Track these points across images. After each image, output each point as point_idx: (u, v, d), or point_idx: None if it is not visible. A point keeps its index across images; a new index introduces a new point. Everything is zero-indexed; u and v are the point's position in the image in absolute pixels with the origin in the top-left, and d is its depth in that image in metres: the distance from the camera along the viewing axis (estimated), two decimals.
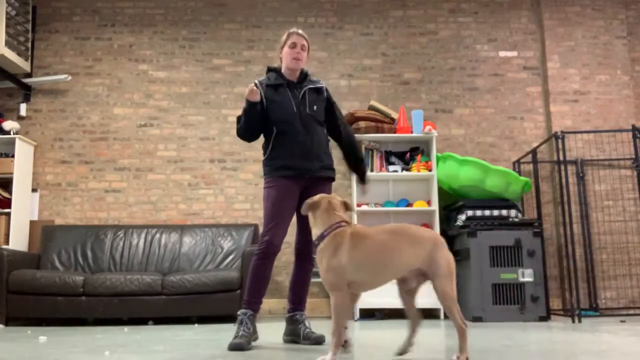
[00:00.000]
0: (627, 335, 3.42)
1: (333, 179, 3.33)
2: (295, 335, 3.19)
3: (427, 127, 5.55)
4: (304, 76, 3.33)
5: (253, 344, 3.08)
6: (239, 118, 3.23)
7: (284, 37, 3.27)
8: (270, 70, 3.34)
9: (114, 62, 6.11)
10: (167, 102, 6.04)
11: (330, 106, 3.37)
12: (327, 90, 3.39)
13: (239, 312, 3.07)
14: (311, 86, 3.30)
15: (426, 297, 5.19)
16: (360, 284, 2.46)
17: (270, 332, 3.93)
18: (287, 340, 3.25)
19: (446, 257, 2.46)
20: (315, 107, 3.25)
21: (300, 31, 3.26)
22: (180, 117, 6.02)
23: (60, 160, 5.92)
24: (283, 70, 3.29)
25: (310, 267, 3.26)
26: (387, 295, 5.21)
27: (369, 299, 5.20)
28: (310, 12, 6.22)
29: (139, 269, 5.32)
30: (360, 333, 3.84)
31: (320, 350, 2.84)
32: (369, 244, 2.44)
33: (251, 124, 3.18)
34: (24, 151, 5.68)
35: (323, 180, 3.24)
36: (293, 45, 3.21)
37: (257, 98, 3.12)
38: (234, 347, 2.87)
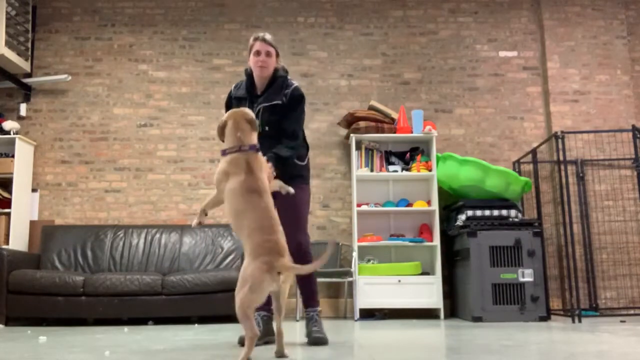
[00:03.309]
0: (627, 335, 3.42)
1: (299, 184, 3.20)
2: (306, 333, 3.22)
3: (427, 127, 5.56)
4: (271, 83, 3.21)
5: (270, 346, 3.05)
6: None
7: (250, 42, 3.22)
8: (245, 74, 3.29)
9: (114, 62, 6.11)
10: (167, 102, 6.04)
11: (284, 116, 3.17)
12: (290, 98, 3.16)
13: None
14: (266, 104, 3.16)
15: (426, 297, 5.22)
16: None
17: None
18: (307, 341, 3.23)
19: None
20: (267, 128, 3.16)
21: (266, 36, 3.18)
22: (180, 117, 6.02)
23: (60, 160, 5.92)
24: (254, 76, 3.24)
25: (308, 261, 3.18)
26: (387, 296, 5.22)
27: (369, 299, 5.21)
28: (310, 12, 6.22)
29: (139, 269, 5.32)
30: (360, 333, 3.84)
31: (314, 350, 2.83)
32: (243, 189, 2.55)
33: None
34: (24, 151, 5.68)
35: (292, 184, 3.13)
36: (257, 53, 3.17)
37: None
38: (241, 341, 3.05)
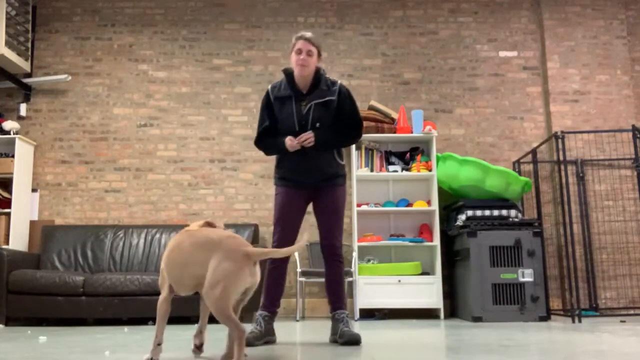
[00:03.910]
0: (627, 335, 3.42)
1: (341, 185, 3.30)
2: (334, 333, 3.19)
3: (427, 127, 5.56)
4: (317, 81, 3.23)
5: (269, 346, 3.05)
6: (262, 133, 3.30)
7: (293, 41, 3.23)
8: (285, 73, 3.28)
9: (114, 62, 6.11)
10: (167, 102, 6.04)
11: (338, 113, 3.26)
12: (340, 94, 3.24)
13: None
14: (318, 100, 3.21)
15: (426, 297, 5.22)
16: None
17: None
18: (331, 340, 3.23)
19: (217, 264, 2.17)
20: (318, 124, 3.20)
21: (307, 35, 3.19)
22: (180, 117, 6.02)
23: (60, 160, 5.92)
24: (295, 75, 3.24)
25: (339, 266, 3.25)
26: (387, 296, 5.22)
27: (369, 299, 5.21)
28: (310, 12, 6.22)
29: (139, 269, 5.32)
30: (361, 333, 3.84)
31: (341, 350, 2.83)
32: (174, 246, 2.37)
33: (275, 153, 3.33)
34: (24, 151, 5.68)
35: (328, 186, 3.26)
36: (298, 52, 3.17)
37: (294, 149, 3.17)
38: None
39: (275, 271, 3.22)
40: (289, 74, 3.25)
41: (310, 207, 5.31)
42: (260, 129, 3.31)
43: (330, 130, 3.24)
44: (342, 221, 3.27)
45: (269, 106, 3.30)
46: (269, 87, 3.31)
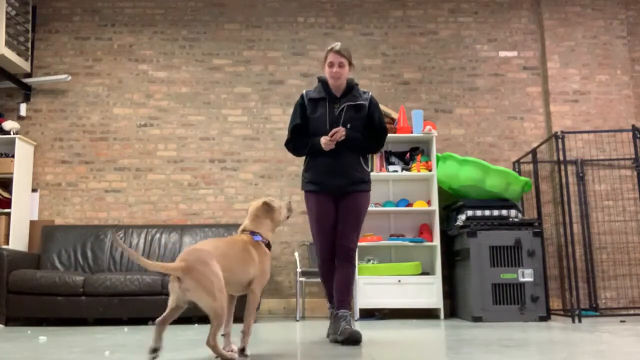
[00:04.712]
0: (627, 335, 3.42)
1: (366, 191, 3.40)
2: (334, 332, 3.22)
3: (427, 127, 5.55)
4: (349, 88, 3.39)
5: (269, 346, 3.07)
6: (293, 134, 3.41)
7: (324, 53, 3.38)
8: (319, 80, 3.45)
9: (114, 62, 6.11)
10: (167, 102, 6.04)
11: (368, 121, 3.39)
12: (371, 102, 3.40)
13: (336, 311, 3.28)
14: (351, 103, 3.36)
15: (426, 297, 5.21)
16: None
17: (268, 332, 3.92)
18: (331, 339, 3.26)
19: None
20: (349, 125, 3.33)
21: (337, 47, 3.32)
22: (180, 117, 6.02)
23: (60, 160, 5.92)
24: (329, 84, 3.39)
25: (350, 267, 3.32)
26: (387, 296, 5.22)
27: (369, 299, 5.21)
28: (310, 12, 6.22)
29: (139, 269, 5.32)
30: (361, 333, 3.84)
31: (344, 349, 2.83)
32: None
33: (307, 154, 3.45)
34: (24, 151, 5.68)
35: (354, 192, 3.36)
36: (331, 65, 3.33)
37: (329, 148, 3.27)
38: (355, 336, 3.08)
39: (324, 271, 3.38)
40: (323, 81, 3.43)
41: None
42: (291, 127, 3.43)
43: (360, 132, 3.38)
44: (360, 226, 3.38)
45: (302, 107, 3.43)
46: (304, 91, 3.49)
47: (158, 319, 2.35)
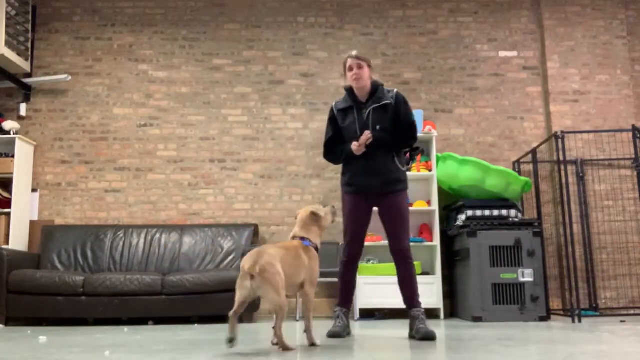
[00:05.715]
0: (627, 335, 3.42)
1: (402, 190, 3.51)
2: (412, 329, 3.40)
3: (427, 127, 5.56)
4: (374, 91, 3.52)
5: (273, 346, 3.05)
6: (327, 147, 3.66)
7: (342, 63, 3.57)
8: (346, 89, 3.61)
9: (114, 62, 6.11)
10: (167, 102, 6.05)
11: (395, 118, 3.49)
12: (397, 99, 3.49)
13: (335, 310, 3.61)
14: (376, 105, 3.48)
15: (426, 297, 5.21)
16: None
17: (263, 333, 3.92)
18: (409, 336, 3.45)
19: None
20: (378, 127, 3.46)
21: (354, 53, 3.50)
22: (180, 117, 6.02)
23: (60, 160, 5.92)
24: (354, 89, 3.54)
25: (410, 267, 3.45)
26: (387, 296, 5.22)
27: (369, 299, 5.21)
28: (310, 12, 6.22)
29: (139, 269, 5.32)
30: (361, 333, 3.84)
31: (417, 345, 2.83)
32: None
33: (342, 161, 3.65)
34: (24, 151, 5.68)
35: (391, 192, 3.49)
36: (350, 69, 3.49)
37: (360, 152, 3.44)
38: (333, 335, 3.43)
39: (346, 272, 3.59)
40: (349, 90, 3.58)
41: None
42: (326, 140, 3.67)
43: (389, 132, 3.49)
44: (408, 225, 3.50)
45: (332, 120, 3.64)
46: (333, 103, 3.67)
47: (230, 312, 2.69)
